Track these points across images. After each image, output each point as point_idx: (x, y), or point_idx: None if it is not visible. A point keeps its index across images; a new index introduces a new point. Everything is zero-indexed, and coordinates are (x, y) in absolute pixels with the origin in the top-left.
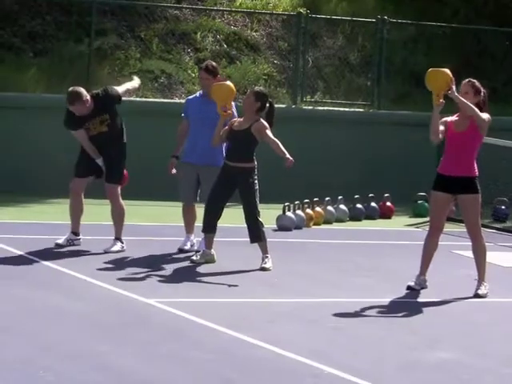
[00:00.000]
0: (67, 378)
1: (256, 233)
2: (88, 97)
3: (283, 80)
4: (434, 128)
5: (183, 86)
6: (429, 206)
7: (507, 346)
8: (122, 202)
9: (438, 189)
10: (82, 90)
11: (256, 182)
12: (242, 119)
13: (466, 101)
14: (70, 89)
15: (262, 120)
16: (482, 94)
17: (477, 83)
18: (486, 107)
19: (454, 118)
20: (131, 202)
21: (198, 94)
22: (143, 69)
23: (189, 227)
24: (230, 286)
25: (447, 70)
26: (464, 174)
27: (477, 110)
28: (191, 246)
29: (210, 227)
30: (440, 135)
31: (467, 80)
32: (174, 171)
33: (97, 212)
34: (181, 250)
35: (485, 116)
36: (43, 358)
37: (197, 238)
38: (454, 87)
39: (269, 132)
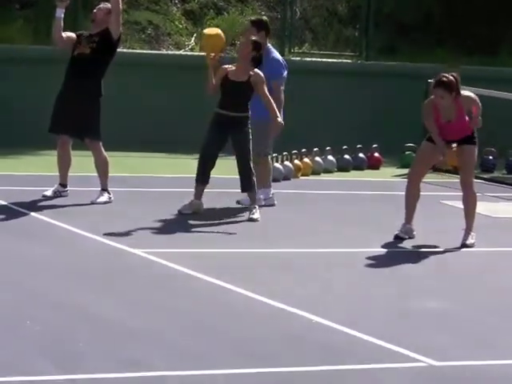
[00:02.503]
0: (54, 327)
1: (248, 182)
2: (102, 11)
3: (271, 31)
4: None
5: (170, 37)
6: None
7: (493, 295)
8: (105, 153)
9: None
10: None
11: (250, 131)
12: (234, 68)
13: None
14: None
15: (258, 72)
16: (455, 83)
17: (446, 79)
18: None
19: (437, 105)
20: (118, 153)
21: None
22: (130, 20)
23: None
24: (217, 236)
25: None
26: (463, 136)
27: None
28: (265, 199)
29: (204, 177)
30: None
31: (436, 83)
32: None
33: (85, 163)
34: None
35: (476, 101)
36: (29, 308)
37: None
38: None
39: (265, 87)
